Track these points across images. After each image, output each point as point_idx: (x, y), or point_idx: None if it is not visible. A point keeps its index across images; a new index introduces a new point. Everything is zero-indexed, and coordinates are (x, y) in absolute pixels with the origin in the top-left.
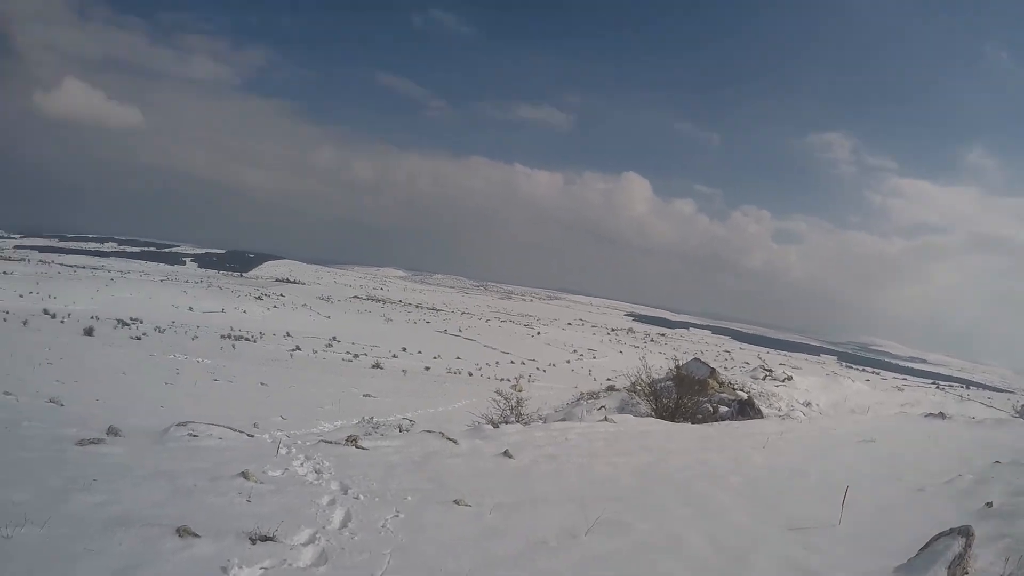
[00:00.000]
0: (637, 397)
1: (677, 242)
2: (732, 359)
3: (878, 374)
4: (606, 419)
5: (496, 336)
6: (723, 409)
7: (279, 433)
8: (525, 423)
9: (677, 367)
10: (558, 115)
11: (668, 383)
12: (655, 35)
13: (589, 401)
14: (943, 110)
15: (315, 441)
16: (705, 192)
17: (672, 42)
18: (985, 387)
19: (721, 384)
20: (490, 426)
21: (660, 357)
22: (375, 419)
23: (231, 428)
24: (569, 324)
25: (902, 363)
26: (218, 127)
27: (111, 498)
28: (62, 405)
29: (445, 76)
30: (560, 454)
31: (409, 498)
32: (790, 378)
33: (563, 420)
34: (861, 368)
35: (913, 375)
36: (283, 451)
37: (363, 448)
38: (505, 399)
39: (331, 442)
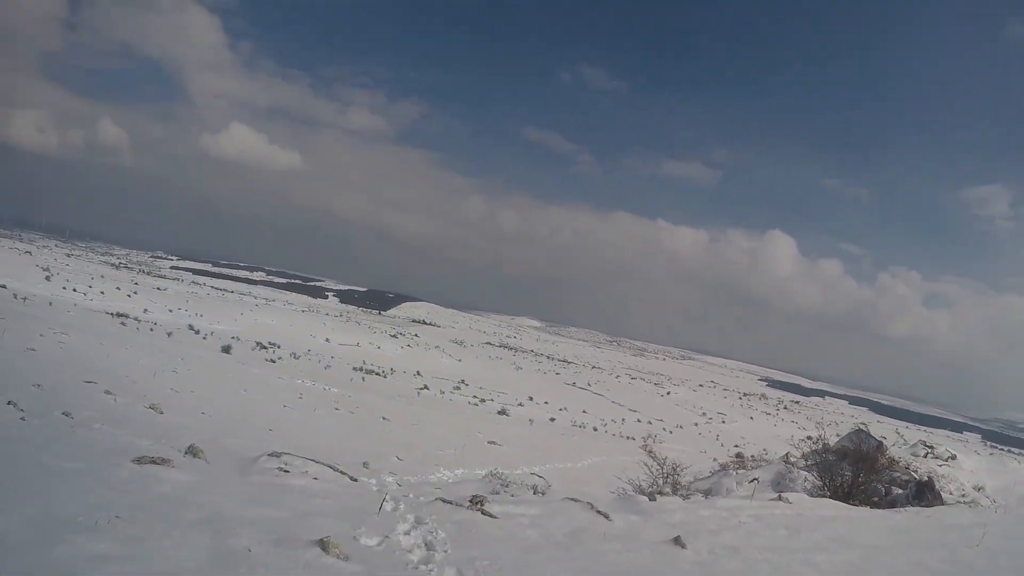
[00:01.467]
0: (797, 470)
1: (820, 304)
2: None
3: (1011, 454)
4: (780, 498)
5: (625, 393)
6: (896, 491)
7: (390, 479)
8: (684, 496)
9: (854, 440)
10: (704, 170)
11: (831, 457)
12: (805, 88)
13: (739, 471)
14: None
15: (431, 498)
16: (852, 252)
17: (823, 95)
18: None
19: (891, 461)
20: (644, 497)
21: (792, 426)
22: (502, 472)
23: (333, 467)
24: (700, 386)
25: None
26: (370, 173)
27: (115, 551)
28: (161, 413)
29: (592, 130)
30: (741, 545)
31: None
32: (954, 457)
33: (709, 492)
34: (1007, 448)
35: None
36: (388, 507)
37: (491, 515)
38: (659, 463)
39: (451, 502)
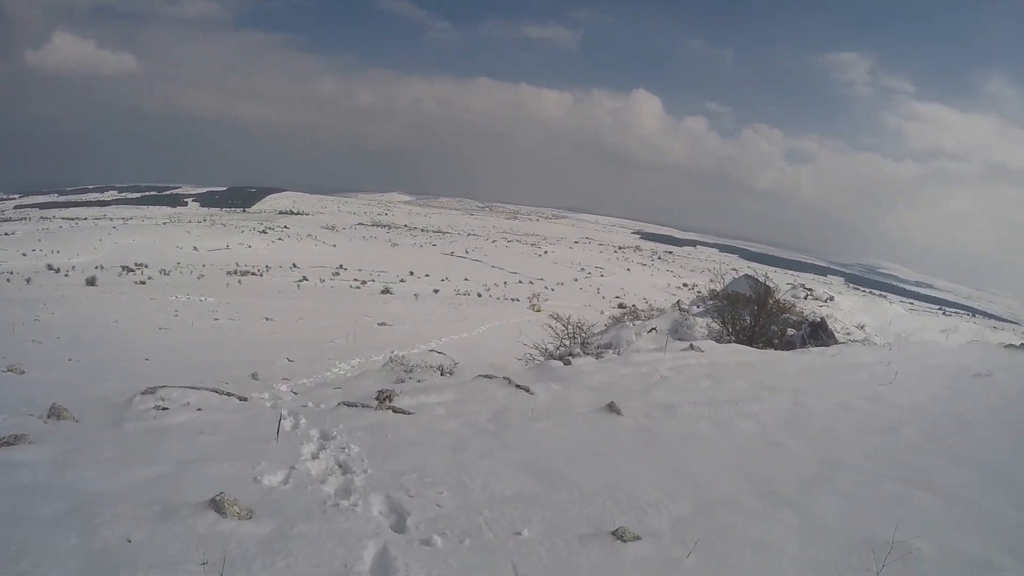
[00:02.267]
0: (692, 317)
1: (687, 160)
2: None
3: (884, 296)
4: (692, 347)
5: (503, 256)
6: (791, 331)
7: (283, 387)
8: (596, 355)
9: (746, 285)
10: (564, 32)
11: (723, 303)
12: None
13: (635, 323)
14: (967, 34)
15: (333, 403)
16: (716, 110)
17: None
18: (991, 316)
19: (780, 304)
20: (558, 362)
21: (668, 275)
22: (401, 356)
23: (217, 390)
24: (576, 243)
25: (909, 287)
26: (214, 65)
27: None
28: (22, 373)
29: None
30: (674, 402)
31: (525, 532)
32: (832, 298)
33: (609, 345)
34: (867, 290)
35: (919, 299)
36: (287, 425)
37: (403, 411)
38: (563, 323)
39: (356, 404)
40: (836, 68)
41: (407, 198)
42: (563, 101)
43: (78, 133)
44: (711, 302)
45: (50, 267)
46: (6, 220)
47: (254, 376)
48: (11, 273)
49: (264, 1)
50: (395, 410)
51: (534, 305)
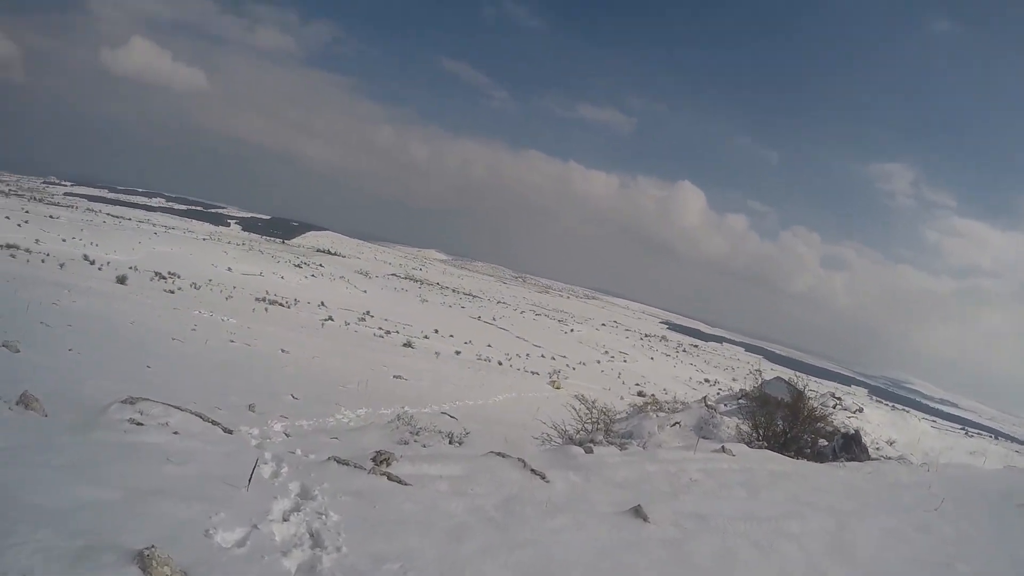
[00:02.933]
0: (718, 415)
1: (724, 256)
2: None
3: (908, 412)
4: (723, 449)
5: (529, 328)
6: (822, 442)
7: (278, 426)
8: (619, 446)
9: (776, 388)
10: (619, 117)
11: (751, 403)
12: (725, 48)
13: (659, 414)
14: (1012, 151)
15: (324, 456)
16: (758, 209)
17: (742, 58)
18: (1014, 439)
19: (813, 412)
20: (579, 449)
21: (691, 368)
22: (410, 415)
23: (203, 416)
24: (603, 325)
25: (932, 404)
26: (278, 96)
27: None
28: (16, 352)
29: (510, 67)
30: (706, 513)
31: None
32: (861, 410)
33: (630, 435)
34: (891, 404)
35: (943, 417)
36: (266, 471)
37: (400, 481)
38: (587, 407)
39: (349, 463)
40: (880, 177)
41: (443, 257)
42: (609, 183)
43: (138, 137)
44: (741, 401)
45: (86, 258)
46: (54, 204)
47: (251, 408)
48: (47, 255)
49: (335, 45)
50: (391, 477)
51: (554, 382)
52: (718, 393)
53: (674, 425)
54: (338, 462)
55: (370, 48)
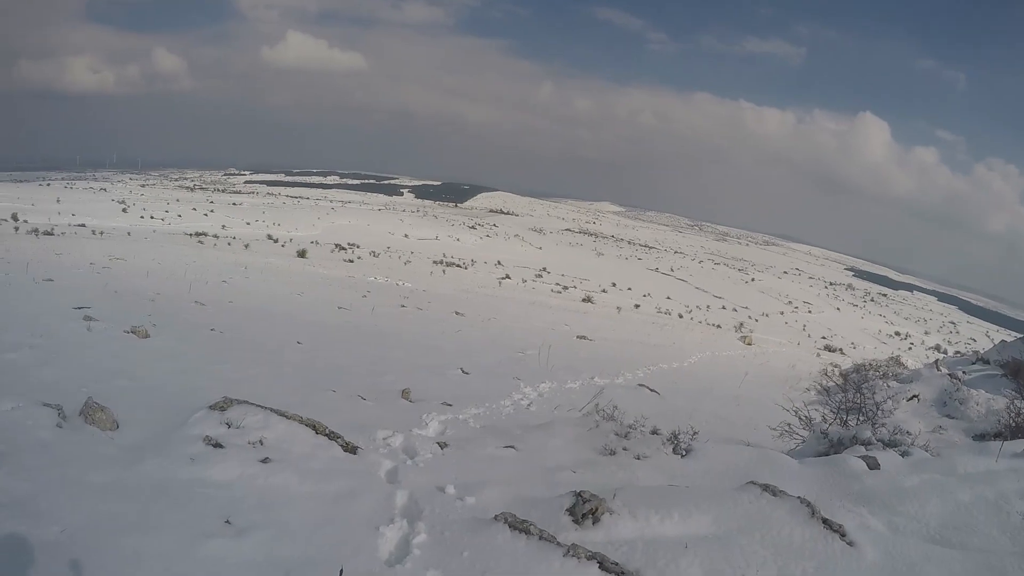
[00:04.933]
0: (964, 387)
1: (912, 194)
2: (958, 333)
3: None
4: None
5: (708, 279)
6: None
7: (433, 424)
8: (894, 444)
9: None
10: (788, 47)
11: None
12: None
13: (889, 383)
14: None
15: (489, 511)
16: (948, 139)
17: None
18: None
19: None
20: (858, 461)
21: (879, 320)
22: (600, 384)
23: (315, 427)
24: (785, 273)
25: None
26: (435, 67)
27: None
28: (146, 337)
29: (664, 6)
30: None
31: None
32: None
33: (859, 409)
34: None
35: None
36: (384, 546)
37: (617, 570)
38: (842, 382)
39: (530, 531)
40: None
41: (617, 209)
42: (784, 121)
43: (308, 123)
44: (975, 366)
45: (270, 237)
46: (236, 192)
47: (405, 395)
48: (233, 238)
49: (484, 8)
50: (605, 566)
51: (745, 337)
52: (941, 356)
53: (911, 399)
54: (512, 527)
55: (519, 7)
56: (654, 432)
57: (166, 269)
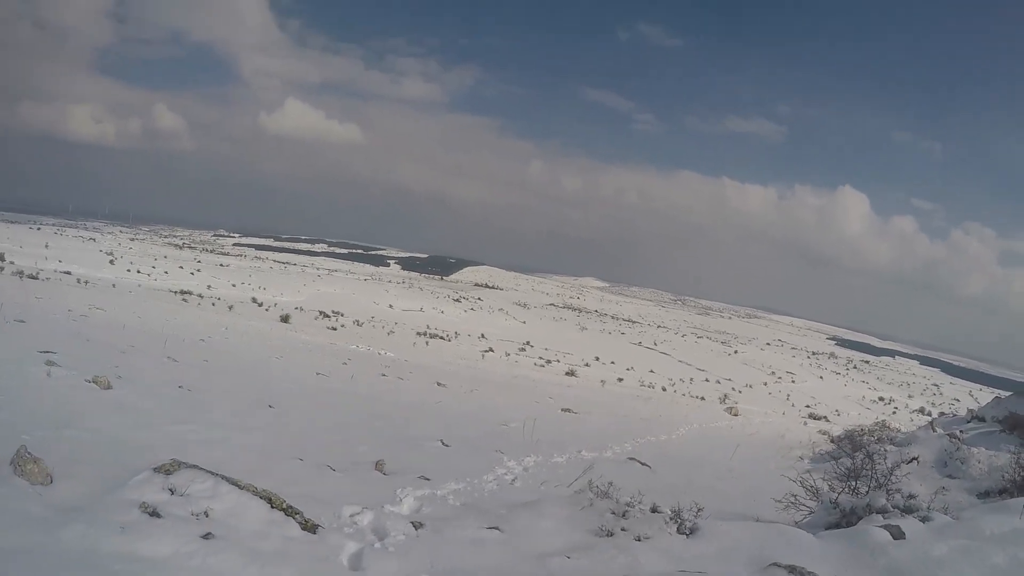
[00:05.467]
0: (964, 446)
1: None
2: (941, 394)
3: None
4: None
5: (692, 352)
6: None
7: (408, 500)
8: (908, 510)
9: None
10: (769, 126)
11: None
12: (872, 37)
13: (887, 447)
14: None
15: None
16: (925, 208)
17: (890, 50)
18: None
19: None
20: (882, 532)
21: (863, 386)
22: (588, 459)
23: (271, 500)
24: (768, 344)
25: None
26: (429, 142)
27: None
28: (107, 388)
29: (651, 90)
30: None
31: None
32: None
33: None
34: None
35: None
36: None
37: None
38: (847, 446)
39: None
40: None
41: (601, 284)
42: (766, 197)
43: (299, 189)
44: (970, 424)
45: (254, 300)
46: (224, 254)
47: (379, 466)
48: (218, 299)
49: (478, 87)
50: None
51: (731, 409)
52: (936, 416)
53: (910, 462)
54: None
55: (513, 87)
56: (654, 510)
57: (145, 323)
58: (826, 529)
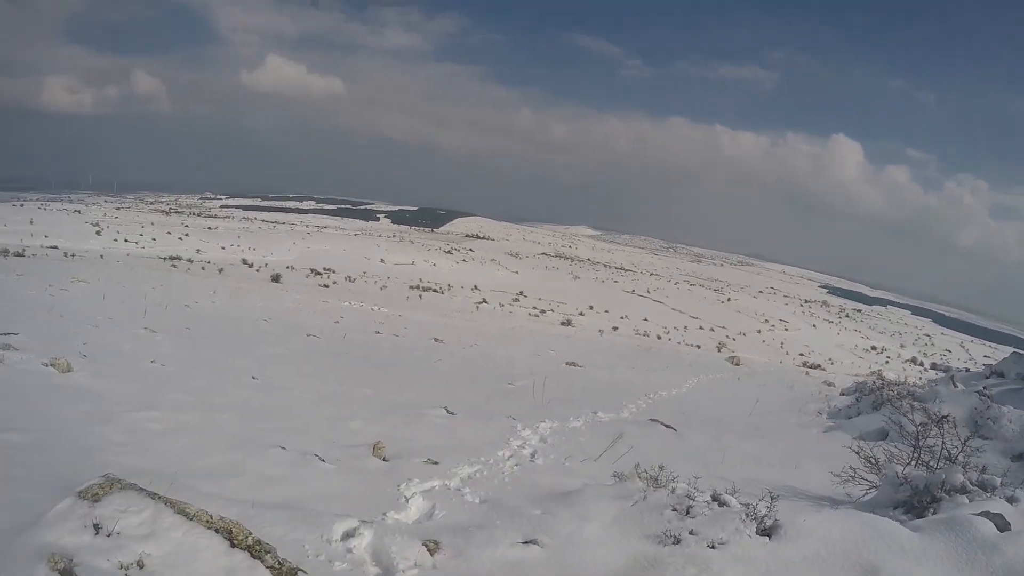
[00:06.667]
0: (995, 404)
1: (884, 211)
2: (933, 345)
3: None
4: None
5: (684, 299)
6: None
7: (414, 508)
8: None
9: None
10: (762, 72)
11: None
12: None
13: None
14: None
15: None
16: (919, 158)
17: None
18: None
19: None
20: (987, 523)
21: (855, 335)
22: (604, 419)
23: (233, 539)
24: (760, 292)
25: None
26: (413, 93)
27: None
28: (66, 371)
29: (641, 34)
30: None
31: None
32: None
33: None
34: None
35: None
36: None
37: None
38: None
39: None
40: None
41: (593, 232)
42: (758, 143)
43: (285, 146)
44: (989, 380)
45: (244, 262)
46: (211, 217)
47: (377, 449)
48: (207, 263)
49: (463, 36)
50: None
51: (734, 358)
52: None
53: (941, 420)
54: None
55: (498, 35)
56: (716, 499)
57: (128, 292)
58: (895, 509)
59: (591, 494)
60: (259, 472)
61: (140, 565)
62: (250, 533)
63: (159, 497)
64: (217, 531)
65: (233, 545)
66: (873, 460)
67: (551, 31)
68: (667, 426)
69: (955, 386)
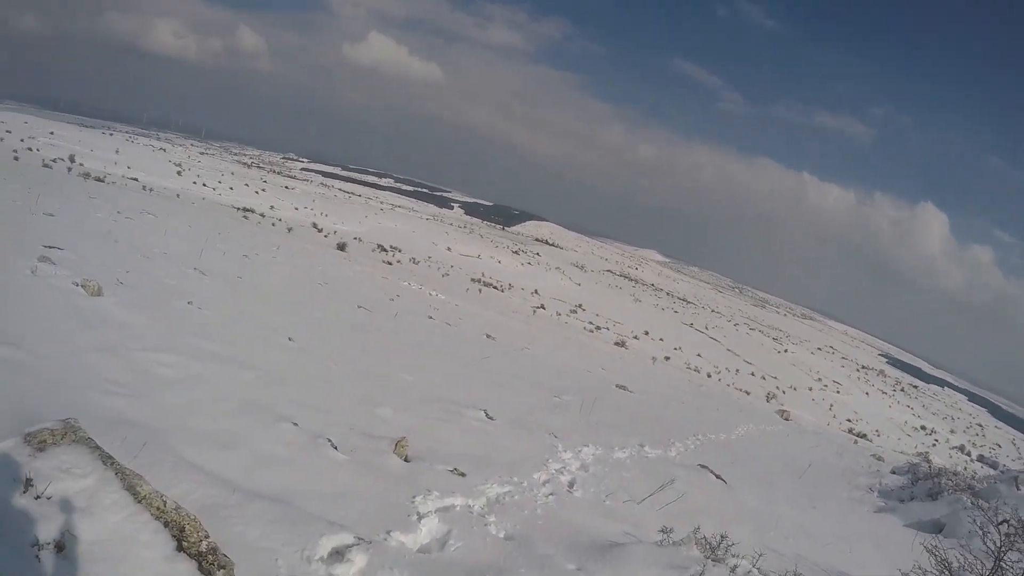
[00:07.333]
0: None
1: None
2: (983, 436)
3: None
4: None
5: (741, 343)
6: None
7: (426, 528)
8: None
9: None
10: (858, 127)
11: None
12: (980, 55)
13: (971, 499)
14: None
15: None
16: (1006, 241)
17: (998, 65)
18: None
19: None
20: None
21: (907, 411)
22: (665, 471)
23: (180, 533)
24: (819, 349)
25: None
26: (507, 90)
27: None
28: (96, 295)
29: (743, 70)
30: None
31: None
32: None
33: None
34: None
35: None
36: None
37: None
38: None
39: None
40: None
41: (661, 258)
42: (843, 198)
43: (374, 122)
44: None
45: (314, 226)
46: (291, 177)
47: (400, 446)
48: (278, 220)
49: (565, 42)
50: None
51: (783, 412)
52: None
53: (1000, 524)
54: None
55: (600, 47)
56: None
57: (193, 232)
58: None
59: (639, 555)
60: (258, 448)
61: (59, 547)
62: (207, 536)
63: (112, 462)
64: (166, 524)
65: (181, 548)
66: (947, 564)
67: (655, 52)
68: (717, 476)
69: (1018, 488)
